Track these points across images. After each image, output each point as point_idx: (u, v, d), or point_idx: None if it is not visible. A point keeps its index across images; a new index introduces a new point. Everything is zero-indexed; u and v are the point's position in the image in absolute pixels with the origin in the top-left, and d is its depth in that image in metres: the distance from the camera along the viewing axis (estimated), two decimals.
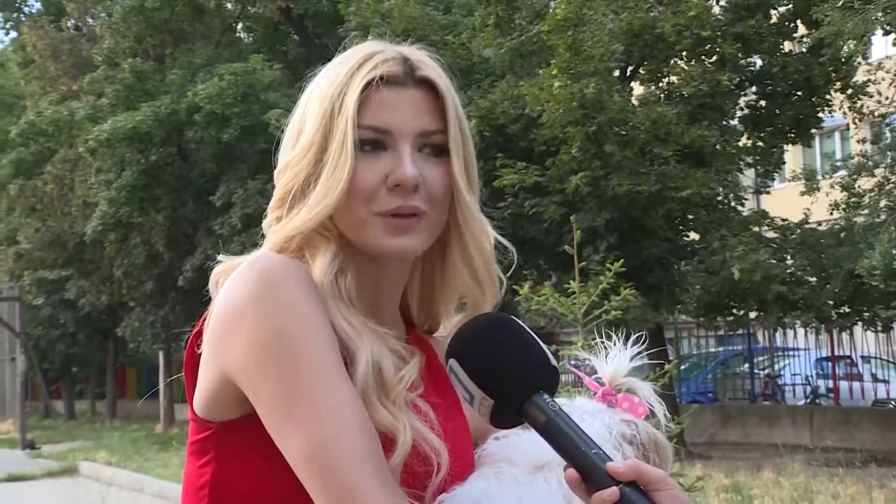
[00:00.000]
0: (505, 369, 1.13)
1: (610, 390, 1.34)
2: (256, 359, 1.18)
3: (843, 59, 12.86)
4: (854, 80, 14.64)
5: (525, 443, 1.23)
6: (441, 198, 1.27)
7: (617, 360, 1.37)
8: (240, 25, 23.08)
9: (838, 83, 14.58)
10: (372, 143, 1.25)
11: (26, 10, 31.40)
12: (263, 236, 1.34)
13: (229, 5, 21.90)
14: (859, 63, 13.54)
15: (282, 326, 1.17)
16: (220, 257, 1.34)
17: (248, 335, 1.18)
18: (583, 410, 1.30)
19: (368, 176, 1.25)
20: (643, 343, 1.40)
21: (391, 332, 1.28)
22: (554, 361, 1.16)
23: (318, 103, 1.29)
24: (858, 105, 15.03)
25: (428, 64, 1.31)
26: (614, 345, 1.39)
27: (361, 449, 1.14)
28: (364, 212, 1.25)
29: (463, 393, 1.15)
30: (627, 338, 1.40)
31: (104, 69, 20.07)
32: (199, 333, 1.26)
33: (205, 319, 1.26)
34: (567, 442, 1.10)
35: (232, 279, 1.23)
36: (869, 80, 14.77)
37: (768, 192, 16.49)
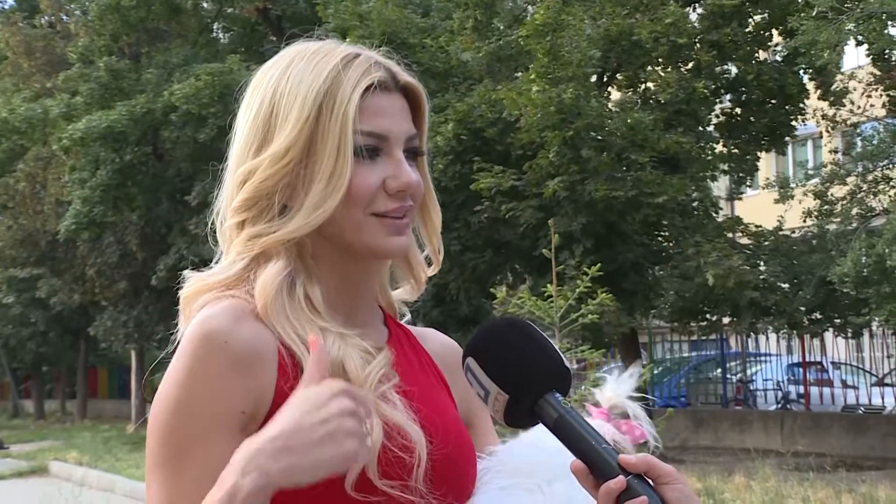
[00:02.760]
0: (521, 367, 1.16)
1: (605, 411, 1.41)
2: (148, 429, 1.20)
3: (818, 68, 13.01)
4: (833, 87, 14.78)
5: (541, 452, 1.25)
6: (421, 197, 1.32)
7: (615, 384, 1.43)
8: (217, 25, 22.96)
9: (817, 91, 14.72)
10: (370, 149, 1.27)
11: None
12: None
13: (206, 5, 21.77)
14: (834, 72, 13.68)
15: (168, 415, 1.17)
16: (186, 273, 1.32)
17: (155, 401, 1.20)
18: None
19: (368, 181, 1.26)
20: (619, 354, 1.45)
21: (361, 329, 1.28)
22: (567, 364, 1.19)
23: (296, 104, 1.26)
24: (832, 114, 15.19)
25: (401, 69, 1.34)
26: (614, 371, 1.46)
27: None
28: (360, 215, 1.27)
29: (478, 390, 1.18)
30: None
31: (79, 67, 19.88)
32: None
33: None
34: (577, 437, 1.12)
35: (186, 330, 1.22)
36: (844, 89, 14.92)
37: (741, 199, 16.62)
